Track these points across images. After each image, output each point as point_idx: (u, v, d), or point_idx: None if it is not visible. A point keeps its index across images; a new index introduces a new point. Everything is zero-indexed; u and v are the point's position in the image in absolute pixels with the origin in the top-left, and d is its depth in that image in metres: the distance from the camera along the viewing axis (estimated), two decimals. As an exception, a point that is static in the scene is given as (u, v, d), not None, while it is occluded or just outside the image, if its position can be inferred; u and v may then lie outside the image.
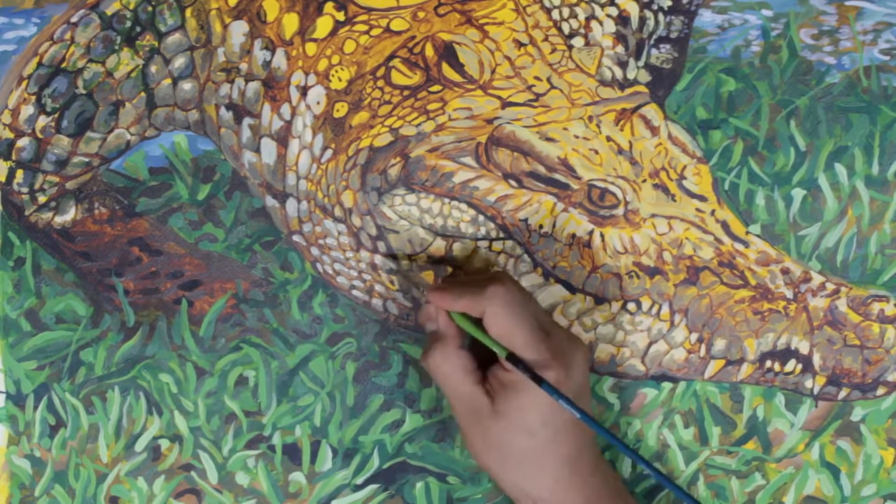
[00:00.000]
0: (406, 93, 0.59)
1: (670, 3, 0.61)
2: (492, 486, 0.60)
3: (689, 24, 0.61)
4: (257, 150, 0.61)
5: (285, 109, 0.60)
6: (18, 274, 0.61)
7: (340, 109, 0.60)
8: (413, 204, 0.59)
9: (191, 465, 0.61)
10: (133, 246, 0.61)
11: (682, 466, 0.59)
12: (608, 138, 0.58)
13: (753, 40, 0.61)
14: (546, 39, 0.60)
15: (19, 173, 0.61)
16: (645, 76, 0.60)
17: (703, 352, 0.59)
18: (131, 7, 0.61)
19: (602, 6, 0.60)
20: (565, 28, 0.60)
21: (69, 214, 0.61)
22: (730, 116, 0.60)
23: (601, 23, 0.60)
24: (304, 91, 0.60)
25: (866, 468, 0.59)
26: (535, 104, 0.59)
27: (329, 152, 0.60)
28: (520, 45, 0.60)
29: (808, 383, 0.58)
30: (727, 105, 0.60)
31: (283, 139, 0.60)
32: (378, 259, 0.59)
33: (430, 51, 0.59)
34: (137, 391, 0.61)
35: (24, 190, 0.61)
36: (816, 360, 0.58)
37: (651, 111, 0.59)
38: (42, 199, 0.61)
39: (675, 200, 0.59)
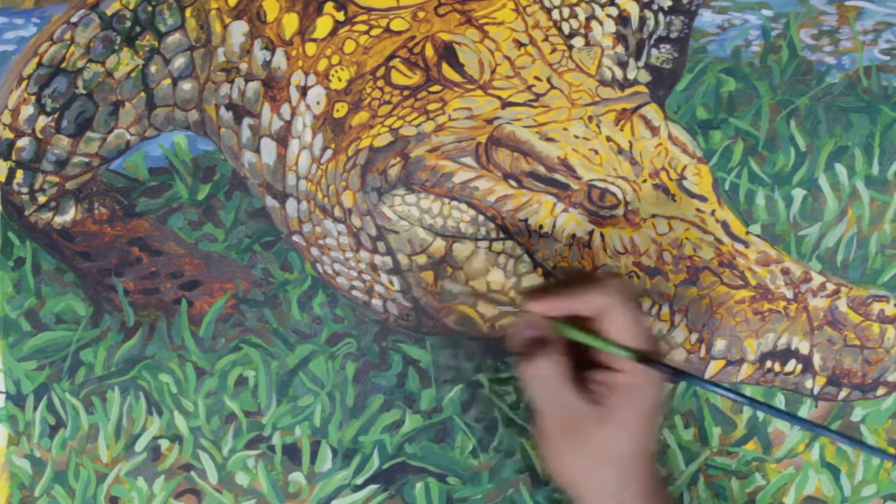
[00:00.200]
0: (406, 93, 0.59)
1: (670, 3, 0.60)
2: (492, 487, 0.60)
3: (689, 24, 0.61)
4: (257, 150, 0.61)
5: (285, 109, 0.60)
6: (18, 274, 0.61)
7: (340, 109, 0.60)
8: (413, 204, 0.59)
9: (191, 465, 0.61)
10: (133, 246, 0.61)
11: (682, 466, 0.59)
12: (608, 138, 0.58)
13: (753, 40, 0.60)
14: (546, 39, 0.60)
15: (19, 173, 0.61)
16: (645, 76, 0.60)
17: (703, 352, 0.58)
18: (131, 7, 0.61)
19: (602, 6, 0.60)
20: (565, 28, 0.60)
21: (69, 214, 0.61)
22: (730, 116, 0.60)
23: (601, 23, 0.60)
24: (304, 91, 0.60)
25: (866, 468, 0.59)
26: (535, 104, 0.59)
27: (329, 152, 0.60)
28: (520, 45, 0.60)
29: (808, 383, 0.58)
30: (727, 105, 0.60)
31: (282, 139, 0.60)
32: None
33: (430, 51, 0.59)
34: (137, 391, 0.61)
35: (24, 190, 0.61)
36: (816, 361, 0.58)
37: (651, 111, 0.59)
38: (42, 199, 0.61)
39: (675, 200, 0.59)
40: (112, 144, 0.61)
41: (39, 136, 0.61)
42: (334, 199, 0.60)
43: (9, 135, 0.61)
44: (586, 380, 0.51)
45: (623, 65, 0.60)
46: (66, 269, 0.61)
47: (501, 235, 0.59)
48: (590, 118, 0.59)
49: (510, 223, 0.58)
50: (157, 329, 0.61)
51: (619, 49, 0.60)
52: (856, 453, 0.59)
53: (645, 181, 0.58)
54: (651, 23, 0.60)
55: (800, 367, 0.58)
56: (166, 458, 0.61)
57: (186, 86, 0.61)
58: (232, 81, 0.61)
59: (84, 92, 0.61)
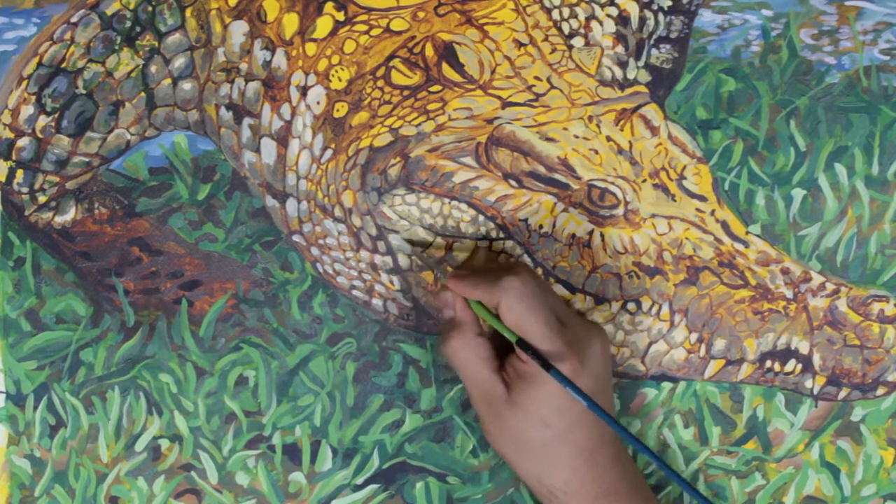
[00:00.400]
0: (406, 93, 0.59)
1: (670, 3, 0.61)
2: (492, 486, 0.60)
3: (689, 24, 0.61)
4: (257, 150, 0.61)
5: (285, 109, 0.60)
6: (18, 274, 0.61)
7: (340, 109, 0.60)
8: (413, 204, 0.59)
9: (191, 465, 0.61)
10: (133, 246, 0.61)
11: (682, 466, 0.59)
12: (608, 138, 0.58)
13: (753, 40, 0.61)
14: (546, 39, 0.60)
15: (19, 173, 0.61)
16: (645, 76, 0.60)
17: (703, 352, 0.59)
18: (131, 7, 0.61)
19: (602, 6, 0.60)
20: (565, 28, 0.60)
21: (69, 214, 0.61)
22: (730, 116, 0.60)
23: (601, 23, 0.60)
24: (304, 91, 0.60)
25: (866, 468, 0.59)
26: (535, 104, 0.59)
27: (329, 152, 0.60)
28: (520, 45, 0.60)
29: (808, 383, 0.58)
30: (727, 105, 0.60)
31: (283, 139, 0.60)
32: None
33: (430, 51, 0.59)
34: (137, 391, 0.61)
35: (24, 190, 0.61)
36: (816, 360, 0.58)
37: (651, 111, 0.59)
38: (42, 199, 0.61)
39: (675, 200, 0.59)
40: (112, 144, 0.61)
41: (39, 135, 0.61)
42: (334, 198, 0.60)
43: (9, 135, 0.61)
44: (508, 363, 0.53)
45: (623, 65, 0.60)
46: (66, 269, 0.61)
47: (501, 235, 0.59)
48: (590, 118, 0.59)
49: (510, 223, 0.58)
50: (157, 329, 0.61)
51: (619, 49, 0.60)
52: (856, 453, 0.59)
53: (645, 181, 0.58)
54: (651, 23, 0.60)
55: (799, 366, 0.58)
56: (166, 458, 0.61)
57: (186, 86, 0.61)
58: (232, 81, 0.61)
59: (84, 92, 0.61)
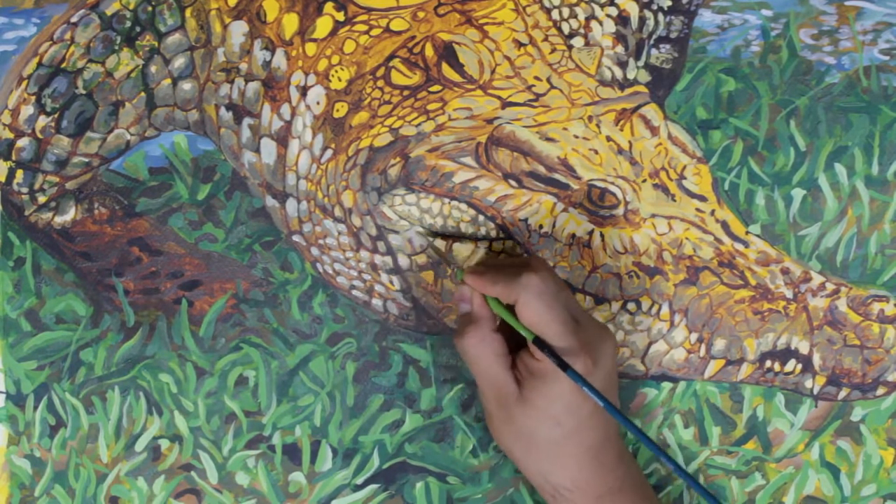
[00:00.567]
0: (406, 93, 0.59)
1: (670, 3, 0.61)
2: (492, 486, 0.60)
3: (689, 24, 0.61)
4: (257, 150, 0.61)
5: (285, 109, 0.60)
6: (18, 274, 0.61)
7: (340, 109, 0.60)
8: (413, 204, 0.59)
9: (191, 465, 0.61)
10: (133, 246, 0.61)
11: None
12: (608, 138, 0.58)
13: (753, 40, 0.61)
14: (546, 39, 0.60)
15: (19, 173, 0.61)
16: (645, 76, 0.60)
17: (702, 352, 0.59)
18: (131, 7, 0.61)
19: (602, 6, 0.60)
20: (565, 28, 0.60)
21: (69, 214, 0.61)
22: (730, 116, 0.60)
23: (601, 23, 0.60)
24: (304, 91, 0.60)
25: (866, 468, 0.59)
26: (535, 104, 0.59)
27: (329, 152, 0.60)
28: (520, 45, 0.60)
29: (808, 383, 0.58)
30: (727, 105, 0.60)
31: (283, 139, 0.60)
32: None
33: (429, 51, 0.59)
34: (137, 391, 0.61)
35: (24, 190, 0.61)
36: (816, 360, 0.58)
37: (651, 111, 0.59)
38: (42, 199, 0.61)
39: (675, 200, 0.59)
40: (112, 144, 0.61)
41: (39, 136, 0.61)
42: (334, 198, 0.60)
43: (9, 135, 0.61)
44: (519, 360, 0.53)
45: (623, 65, 0.60)
46: (66, 269, 0.61)
47: (501, 235, 0.59)
48: (590, 118, 0.59)
49: (510, 223, 0.58)
50: (157, 329, 0.61)
51: (619, 49, 0.60)
52: (856, 453, 0.59)
53: (645, 181, 0.58)
54: (651, 23, 0.60)
55: (799, 366, 0.58)
56: (166, 458, 0.61)
57: (186, 86, 0.61)
58: (232, 81, 0.61)
59: (84, 92, 0.61)
